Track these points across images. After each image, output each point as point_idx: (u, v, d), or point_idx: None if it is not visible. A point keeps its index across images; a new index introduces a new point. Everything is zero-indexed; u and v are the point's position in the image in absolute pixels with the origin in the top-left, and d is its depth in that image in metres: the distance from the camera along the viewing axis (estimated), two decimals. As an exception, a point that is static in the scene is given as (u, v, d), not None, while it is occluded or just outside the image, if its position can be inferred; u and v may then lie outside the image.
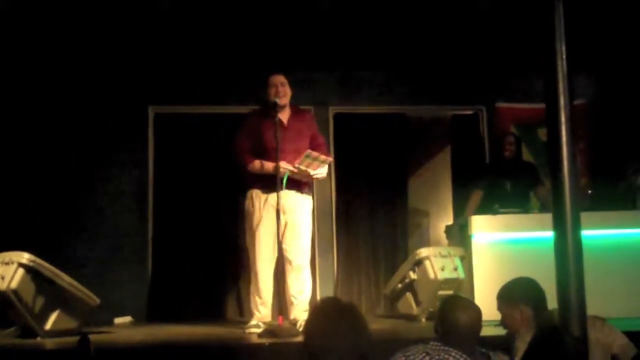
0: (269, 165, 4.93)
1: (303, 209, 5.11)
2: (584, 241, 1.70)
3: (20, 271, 4.57)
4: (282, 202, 4.80)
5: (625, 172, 6.16)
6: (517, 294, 3.15)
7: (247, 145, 5.06)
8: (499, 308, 3.19)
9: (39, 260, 4.69)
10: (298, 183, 5.05)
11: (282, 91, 5.04)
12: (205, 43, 6.48)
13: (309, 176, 5.01)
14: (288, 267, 5.00)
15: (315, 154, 4.91)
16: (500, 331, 3.30)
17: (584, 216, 1.73)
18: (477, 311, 2.69)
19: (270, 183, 4.88)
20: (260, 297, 5.03)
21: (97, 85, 6.73)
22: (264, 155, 4.98)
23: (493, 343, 2.87)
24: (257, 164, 5.01)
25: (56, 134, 6.60)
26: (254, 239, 5.04)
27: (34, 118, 6.55)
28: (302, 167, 4.89)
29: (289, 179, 4.90)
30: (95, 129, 6.70)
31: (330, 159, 5.18)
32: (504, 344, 3.09)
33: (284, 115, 5.06)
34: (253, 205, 5.05)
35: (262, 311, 5.04)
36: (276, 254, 4.97)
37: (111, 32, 6.25)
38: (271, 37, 6.36)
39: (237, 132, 5.17)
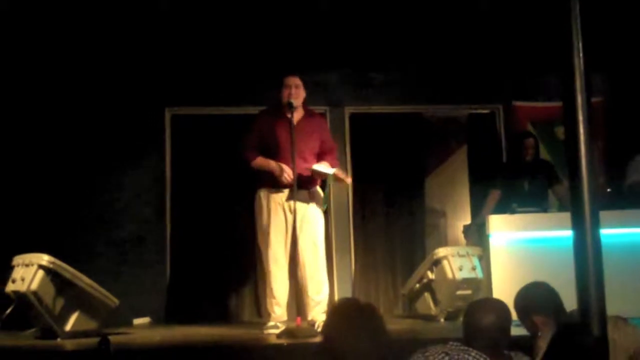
0: (272, 164, 4.96)
1: (314, 207, 5.13)
2: (603, 240, 1.69)
3: (40, 273, 4.62)
4: (293, 201, 4.82)
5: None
6: (529, 304, 3.12)
7: (254, 144, 5.11)
8: (517, 316, 3.15)
9: (58, 262, 4.73)
10: (308, 182, 5.07)
11: (296, 93, 5.07)
12: (222, 45, 6.51)
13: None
14: (303, 267, 5.01)
15: (322, 170, 4.99)
16: (521, 331, 3.28)
17: (603, 215, 1.72)
18: (502, 313, 2.64)
19: (281, 183, 4.92)
20: (274, 298, 5.04)
21: (114, 87, 6.75)
22: (276, 154, 5.02)
23: (514, 343, 2.85)
24: (259, 160, 5.05)
25: (73, 136, 6.63)
26: (265, 239, 5.07)
27: (51, 120, 6.58)
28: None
29: (300, 180, 4.95)
30: (113, 131, 6.72)
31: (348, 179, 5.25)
32: (525, 343, 3.07)
33: (296, 116, 5.07)
34: (263, 205, 5.08)
35: (277, 311, 5.05)
36: (289, 254, 4.99)
37: (128, 35, 6.29)
38: (286, 39, 6.37)
39: (246, 130, 5.20)
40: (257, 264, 6.48)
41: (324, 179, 5.22)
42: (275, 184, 4.98)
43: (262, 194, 5.10)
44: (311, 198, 5.12)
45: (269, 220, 5.03)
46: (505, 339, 2.60)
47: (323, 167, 5.04)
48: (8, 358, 4.27)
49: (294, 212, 4.89)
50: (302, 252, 4.98)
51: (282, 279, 5.05)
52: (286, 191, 4.91)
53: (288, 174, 4.87)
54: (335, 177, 5.09)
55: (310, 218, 5.08)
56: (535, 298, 3.13)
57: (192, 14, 6.12)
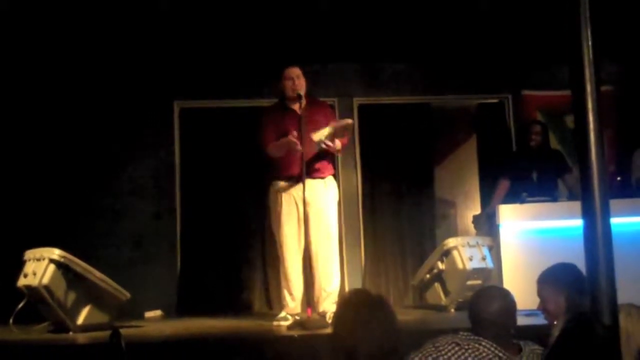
0: (283, 141, 4.89)
1: (327, 198, 5.11)
2: (614, 229, 1.68)
3: (52, 267, 4.64)
4: (305, 192, 4.81)
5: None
6: (564, 279, 3.06)
7: (270, 135, 5.07)
8: (542, 292, 3.06)
9: (69, 256, 4.75)
10: (321, 171, 5.06)
11: (299, 84, 5.07)
12: (230, 38, 6.50)
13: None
14: (315, 259, 5.00)
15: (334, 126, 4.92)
16: (531, 321, 3.27)
17: (614, 203, 1.71)
18: (507, 302, 2.64)
19: (293, 174, 4.92)
20: (289, 290, 5.04)
21: (122, 81, 6.77)
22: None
23: (524, 333, 2.85)
24: (272, 146, 5.00)
25: (83, 130, 6.66)
26: (280, 232, 5.07)
27: (61, 115, 6.61)
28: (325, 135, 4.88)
29: (312, 169, 4.93)
30: (122, 125, 6.75)
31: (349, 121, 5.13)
32: (535, 333, 3.06)
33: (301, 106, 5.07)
34: (277, 197, 5.07)
35: (291, 303, 5.06)
36: (303, 246, 4.99)
37: (137, 29, 6.29)
38: (295, 30, 6.35)
39: (259, 126, 5.19)
40: (268, 256, 6.53)
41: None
42: (289, 176, 4.97)
43: (276, 185, 5.09)
44: (325, 188, 5.11)
45: (283, 211, 5.02)
46: (511, 326, 2.60)
47: (319, 134, 4.95)
48: (21, 352, 4.29)
49: (307, 203, 4.88)
50: (315, 243, 4.98)
51: (298, 271, 5.04)
52: (300, 182, 4.85)
53: (297, 143, 4.81)
54: (336, 131, 4.93)
55: (324, 209, 5.07)
56: (571, 275, 3.03)
57: (201, 8, 6.11)
